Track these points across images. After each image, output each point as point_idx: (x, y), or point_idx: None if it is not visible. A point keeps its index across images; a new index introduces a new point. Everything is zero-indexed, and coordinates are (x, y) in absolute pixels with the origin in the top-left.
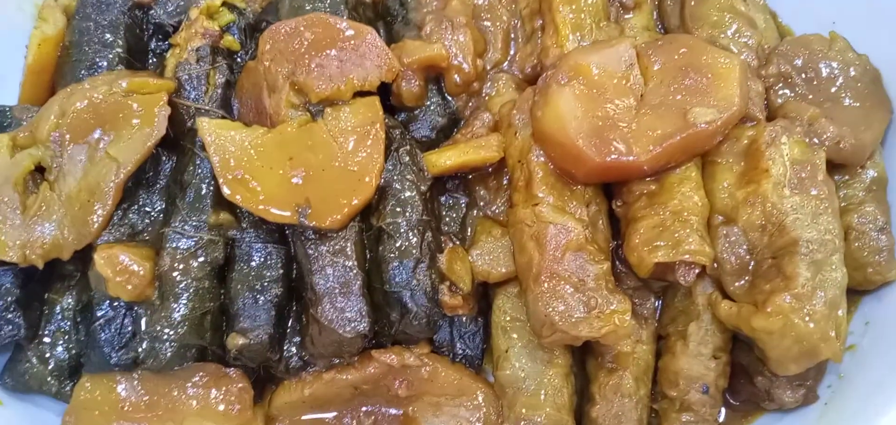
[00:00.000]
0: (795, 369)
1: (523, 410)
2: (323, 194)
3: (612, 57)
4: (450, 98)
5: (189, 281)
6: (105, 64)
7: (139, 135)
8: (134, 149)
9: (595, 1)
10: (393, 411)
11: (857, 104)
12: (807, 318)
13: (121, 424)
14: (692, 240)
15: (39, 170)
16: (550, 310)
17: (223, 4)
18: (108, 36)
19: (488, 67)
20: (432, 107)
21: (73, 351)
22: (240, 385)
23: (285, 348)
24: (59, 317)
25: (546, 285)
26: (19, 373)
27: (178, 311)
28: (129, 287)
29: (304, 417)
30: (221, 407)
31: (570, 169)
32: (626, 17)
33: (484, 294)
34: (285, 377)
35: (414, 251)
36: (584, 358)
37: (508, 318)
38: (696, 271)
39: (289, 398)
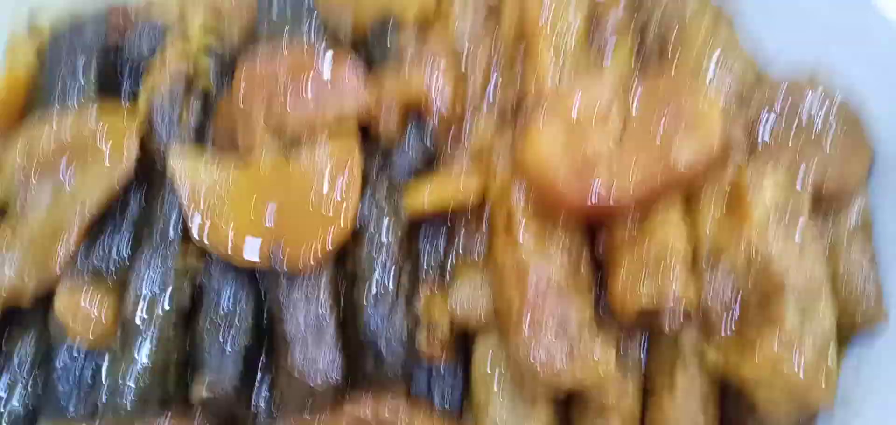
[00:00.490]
0: (786, 418)
1: None
2: (296, 236)
3: (592, 95)
4: (428, 134)
5: (153, 328)
6: (76, 104)
7: (106, 172)
8: (100, 187)
9: (575, 41)
10: None
11: (839, 145)
12: (796, 367)
13: None
14: (676, 285)
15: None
16: (532, 358)
17: (198, 50)
18: (79, 76)
19: (468, 103)
20: (411, 142)
21: (29, 404)
22: None
23: (253, 399)
24: (16, 367)
25: (527, 332)
26: None
27: (141, 361)
28: (90, 335)
29: None
30: None
31: (551, 207)
32: (606, 59)
33: (463, 343)
34: None
35: (389, 296)
36: (568, 410)
37: (488, 369)
38: (682, 318)
39: None
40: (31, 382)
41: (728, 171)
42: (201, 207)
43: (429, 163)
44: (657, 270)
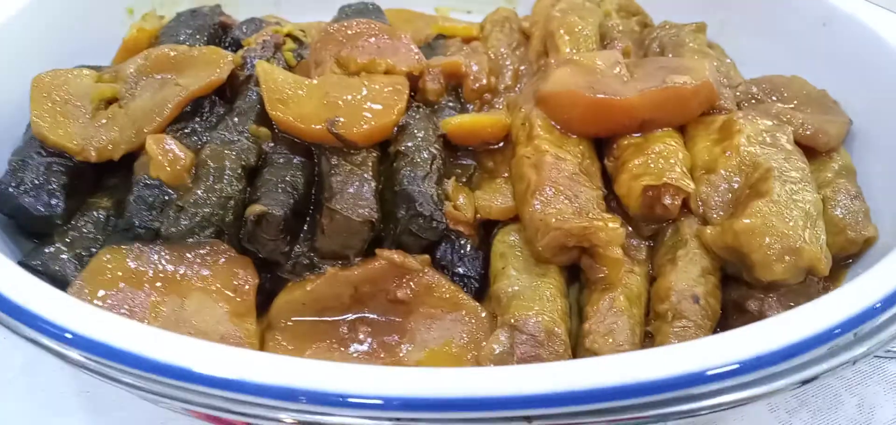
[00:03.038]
0: (782, 271)
1: (516, 313)
2: (352, 114)
3: (603, 55)
4: (466, 103)
5: (221, 166)
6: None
7: (205, 72)
8: (198, 79)
9: (591, 35)
10: (389, 318)
11: (816, 112)
12: (784, 219)
13: (126, 288)
14: (676, 170)
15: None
16: (546, 212)
17: (287, 35)
18: (193, 31)
19: (499, 85)
20: (450, 105)
21: (100, 243)
22: (247, 269)
23: (294, 250)
24: (94, 214)
25: (542, 196)
26: (42, 254)
27: (206, 190)
28: (169, 167)
29: (299, 319)
30: (225, 288)
31: (567, 115)
32: None
33: (484, 238)
34: (291, 278)
35: (424, 165)
36: (579, 299)
37: (506, 245)
38: (681, 198)
39: (290, 297)
40: (103, 228)
41: (719, 115)
42: (278, 92)
43: None
44: (659, 162)
